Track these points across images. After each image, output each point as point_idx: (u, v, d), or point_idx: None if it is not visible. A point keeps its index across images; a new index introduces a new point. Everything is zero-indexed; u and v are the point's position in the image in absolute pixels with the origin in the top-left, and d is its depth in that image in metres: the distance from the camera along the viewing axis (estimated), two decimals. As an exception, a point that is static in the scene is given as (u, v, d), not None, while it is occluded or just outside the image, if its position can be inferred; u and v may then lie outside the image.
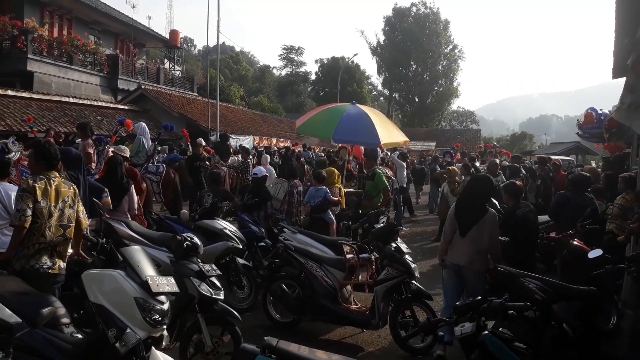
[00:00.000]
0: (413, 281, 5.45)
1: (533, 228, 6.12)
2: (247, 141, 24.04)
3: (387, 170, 13.41)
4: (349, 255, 5.96)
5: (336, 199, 8.04)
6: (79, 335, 3.69)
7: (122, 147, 8.43)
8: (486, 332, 3.24)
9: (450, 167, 11.58)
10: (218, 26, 23.85)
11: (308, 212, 7.88)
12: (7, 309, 3.55)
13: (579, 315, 4.67)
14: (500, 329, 3.30)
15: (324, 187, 7.97)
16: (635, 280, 4.78)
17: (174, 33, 36.49)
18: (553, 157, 18.33)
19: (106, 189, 6.25)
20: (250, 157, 14.21)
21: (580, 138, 17.00)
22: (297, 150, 19.60)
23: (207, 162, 12.63)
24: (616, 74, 6.31)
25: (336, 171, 8.53)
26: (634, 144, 7.43)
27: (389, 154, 18.03)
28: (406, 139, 9.96)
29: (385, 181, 8.84)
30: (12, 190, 5.03)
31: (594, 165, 20.20)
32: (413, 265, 5.39)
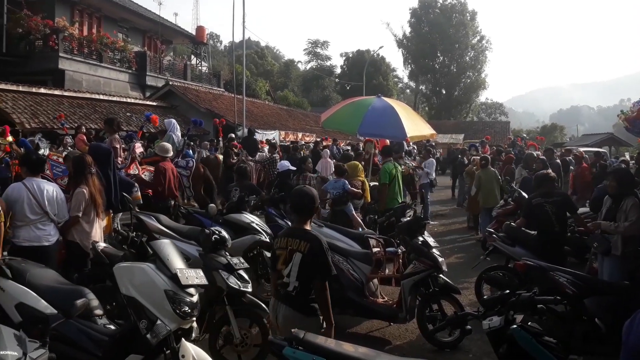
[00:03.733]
0: (441, 275, 5.41)
1: (549, 219, 6.00)
2: (272, 135, 24.13)
3: (412, 163, 13.31)
4: (375, 249, 5.95)
5: (357, 190, 7.96)
6: (112, 327, 3.80)
7: (164, 145, 8.47)
8: (515, 325, 3.21)
9: (473, 158, 11.46)
10: (243, 22, 23.93)
11: (331, 204, 7.89)
12: (43, 301, 3.68)
13: (611, 310, 4.57)
14: (529, 323, 3.25)
15: (343, 179, 7.98)
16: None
17: (200, 29, 36.76)
18: (582, 149, 17.89)
19: (136, 184, 6.37)
20: (277, 151, 14.27)
21: (626, 132, 16.08)
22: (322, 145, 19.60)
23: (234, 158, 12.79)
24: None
25: (359, 164, 8.44)
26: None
27: (415, 148, 17.86)
28: (433, 131, 9.84)
29: (386, 178, 8.58)
30: (47, 185, 5.22)
31: (627, 157, 19.65)
32: (440, 259, 5.35)
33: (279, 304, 3.60)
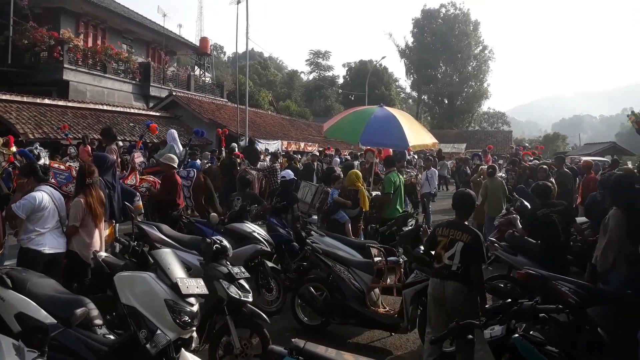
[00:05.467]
0: (442, 284, 5.38)
1: (555, 229, 5.99)
2: (274, 145, 24.19)
3: (413, 172, 13.29)
4: (377, 259, 5.93)
5: (344, 200, 7.80)
6: (111, 336, 3.78)
7: (171, 155, 8.33)
8: (516, 335, 3.18)
9: (481, 168, 11.44)
10: (247, 33, 24.11)
11: (324, 213, 8.01)
12: (42, 310, 3.67)
13: (614, 320, 4.53)
14: (531, 332, 3.23)
15: (332, 188, 8.15)
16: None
17: (204, 40, 37.05)
18: (585, 157, 17.83)
19: (138, 194, 6.39)
20: (279, 161, 14.31)
21: (622, 137, 16.05)
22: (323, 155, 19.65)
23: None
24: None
25: (357, 172, 8.39)
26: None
27: (416, 157, 17.85)
28: (435, 140, 9.85)
29: (391, 187, 8.43)
30: (58, 193, 5.35)
31: (630, 166, 19.58)
32: (442, 269, 5.32)
33: (445, 282, 4.46)
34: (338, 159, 14.59)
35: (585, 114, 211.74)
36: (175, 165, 8.10)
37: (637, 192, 5.44)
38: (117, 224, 6.76)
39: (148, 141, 11.88)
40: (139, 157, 9.55)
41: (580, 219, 7.60)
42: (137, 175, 8.66)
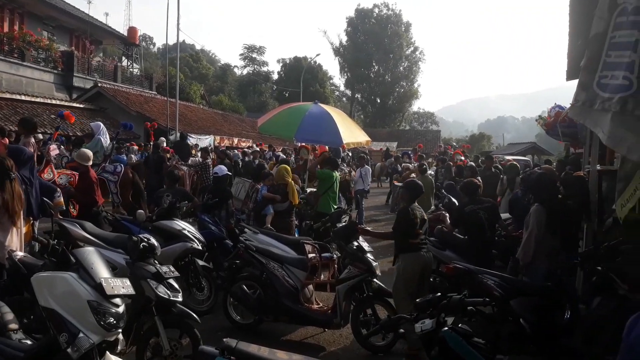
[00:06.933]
0: (375, 279, 5.47)
1: (482, 225, 6.25)
2: (207, 140, 23.70)
3: (348, 170, 13.47)
4: (311, 255, 5.92)
5: (272, 195, 7.79)
6: (28, 342, 3.54)
7: (84, 152, 7.98)
8: (446, 328, 3.27)
9: (407, 167, 11.75)
10: (178, 24, 23.46)
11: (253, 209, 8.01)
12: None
13: (535, 310, 4.78)
14: (459, 325, 3.32)
15: (262, 184, 8.12)
16: (587, 276, 4.92)
17: (132, 30, 35.63)
18: (508, 157, 18.78)
19: (58, 189, 6.03)
20: (210, 157, 14.02)
21: (541, 138, 17.15)
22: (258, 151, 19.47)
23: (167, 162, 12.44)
24: (570, 76, 6.46)
25: (285, 166, 8.33)
26: (586, 144, 7.67)
27: (350, 154, 18.08)
28: (368, 138, 10.01)
29: (328, 182, 8.56)
30: None
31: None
32: (374, 264, 5.41)
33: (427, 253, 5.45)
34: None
35: (509, 115, 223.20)
36: (89, 164, 7.75)
37: (557, 189, 5.78)
38: (37, 222, 6.35)
39: (71, 134, 11.24)
40: (54, 150, 9.01)
41: (504, 215, 7.95)
42: (53, 169, 8.20)
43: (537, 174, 6.74)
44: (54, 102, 21.64)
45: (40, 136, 12.64)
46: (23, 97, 19.77)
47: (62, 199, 6.01)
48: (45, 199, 6.07)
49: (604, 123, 2.62)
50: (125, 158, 12.58)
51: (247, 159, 16.35)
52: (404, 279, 5.27)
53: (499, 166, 13.59)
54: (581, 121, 3.26)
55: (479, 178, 10.02)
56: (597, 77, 2.65)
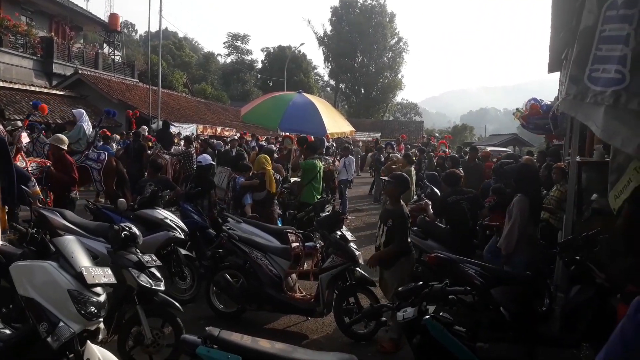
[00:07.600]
0: (357, 268, 5.50)
1: (464, 215, 6.33)
2: (190, 129, 23.49)
3: (332, 160, 13.48)
4: (294, 244, 5.93)
5: (249, 182, 7.80)
6: (7, 331, 3.49)
7: (60, 136, 8.01)
8: (427, 316, 3.30)
9: (393, 156, 11.80)
10: (160, 10, 23.16)
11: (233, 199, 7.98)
12: None
13: (515, 299, 4.85)
14: (441, 314, 3.36)
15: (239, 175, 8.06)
16: (566, 265, 5.01)
17: (113, 17, 34.99)
18: (490, 148, 19.01)
19: (33, 178, 5.94)
20: (193, 146, 13.88)
21: (523, 129, 17.43)
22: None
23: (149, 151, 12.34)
24: (552, 68, 6.54)
25: (264, 155, 8.28)
26: (567, 136, 7.78)
27: (334, 144, 18.07)
28: (352, 129, 10.01)
29: (306, 176, 8.60)
30: None
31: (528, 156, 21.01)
32: (357, 253, 5.43)
33: None
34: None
35: (491, 107, 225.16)
36: (65, 147, 7.77)
37: (539, 180, 5.86)
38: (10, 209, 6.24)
39: (51, 122, 11.05)
40: (25, 138, 8.87)
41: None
42: (24, 156, 8.09)
43: (519, 165, 6.81)
44: (33, 88, 21.21)
45: (20, 123, 12.41)
46: (1, 84, 19.34)
47: (37, 188, 5.90)
48: (23, 187, 5.97)
49: (596, 116, 2.64)
50: (113, 150, 12.44)
51: (223, 148, 16.03)
52: (402, 278, 5.13)
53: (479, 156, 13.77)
54: (572, 114, 3.28)
55: (461, 169, 10.11)
56: (588, 71, 2.67)
